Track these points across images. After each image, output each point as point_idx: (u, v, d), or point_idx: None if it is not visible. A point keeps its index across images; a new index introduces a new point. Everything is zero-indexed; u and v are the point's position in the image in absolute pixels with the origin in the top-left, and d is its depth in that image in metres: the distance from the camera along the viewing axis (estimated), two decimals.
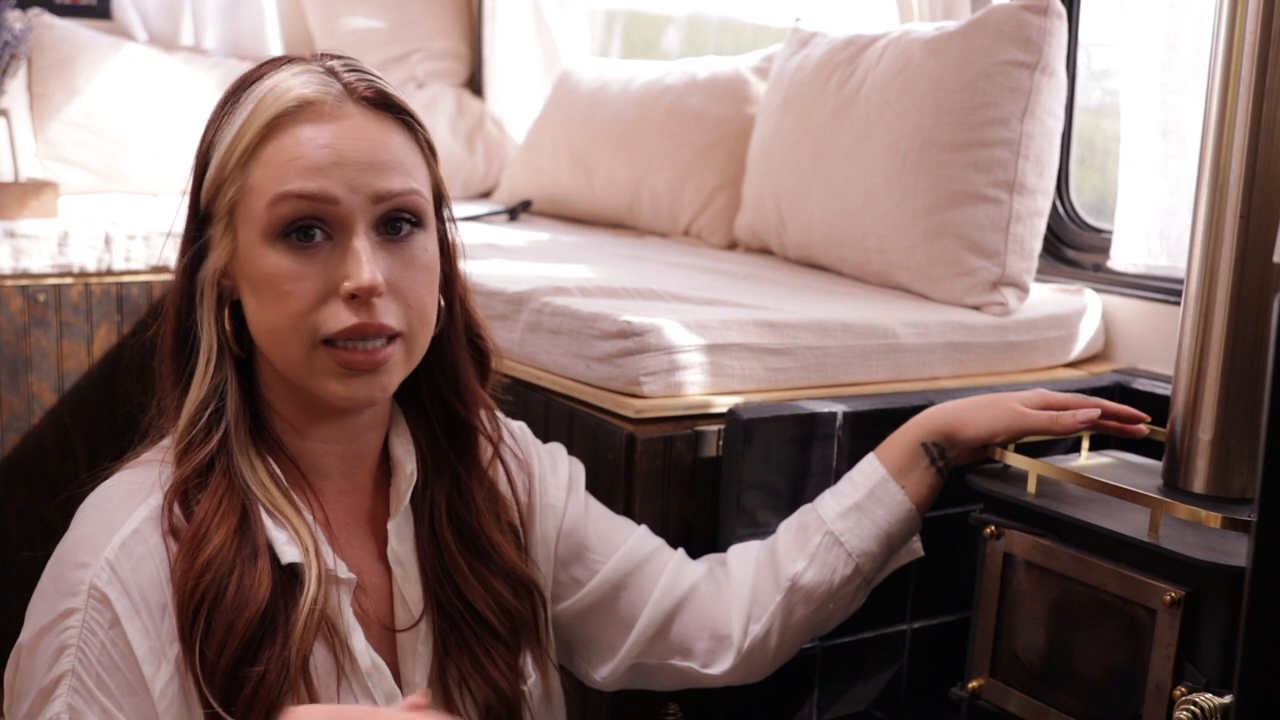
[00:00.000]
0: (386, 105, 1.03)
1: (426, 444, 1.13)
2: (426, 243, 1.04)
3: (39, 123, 2.82)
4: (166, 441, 1.06)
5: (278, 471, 1.05)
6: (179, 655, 0.96)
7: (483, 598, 1.12)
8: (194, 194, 1.05)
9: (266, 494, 1.02)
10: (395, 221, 1.02)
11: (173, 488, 1.00)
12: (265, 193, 0.99)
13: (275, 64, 1.04)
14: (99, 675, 0.94)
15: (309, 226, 0.99)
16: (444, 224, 1.10)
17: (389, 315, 1.00)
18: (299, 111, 0.99)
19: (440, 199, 1.10)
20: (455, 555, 1.12)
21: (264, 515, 1.02)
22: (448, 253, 1.11)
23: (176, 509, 1.00)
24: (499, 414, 1.21)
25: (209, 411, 1.03)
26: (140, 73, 2.93)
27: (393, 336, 1.01)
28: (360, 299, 0.99)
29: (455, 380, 1.13)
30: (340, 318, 0.99)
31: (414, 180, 1.03)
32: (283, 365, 1.03)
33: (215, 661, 0.96)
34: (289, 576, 1.01)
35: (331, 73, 1.02)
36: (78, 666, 0.94)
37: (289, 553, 1.01)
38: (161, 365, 1.07)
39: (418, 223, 1.03)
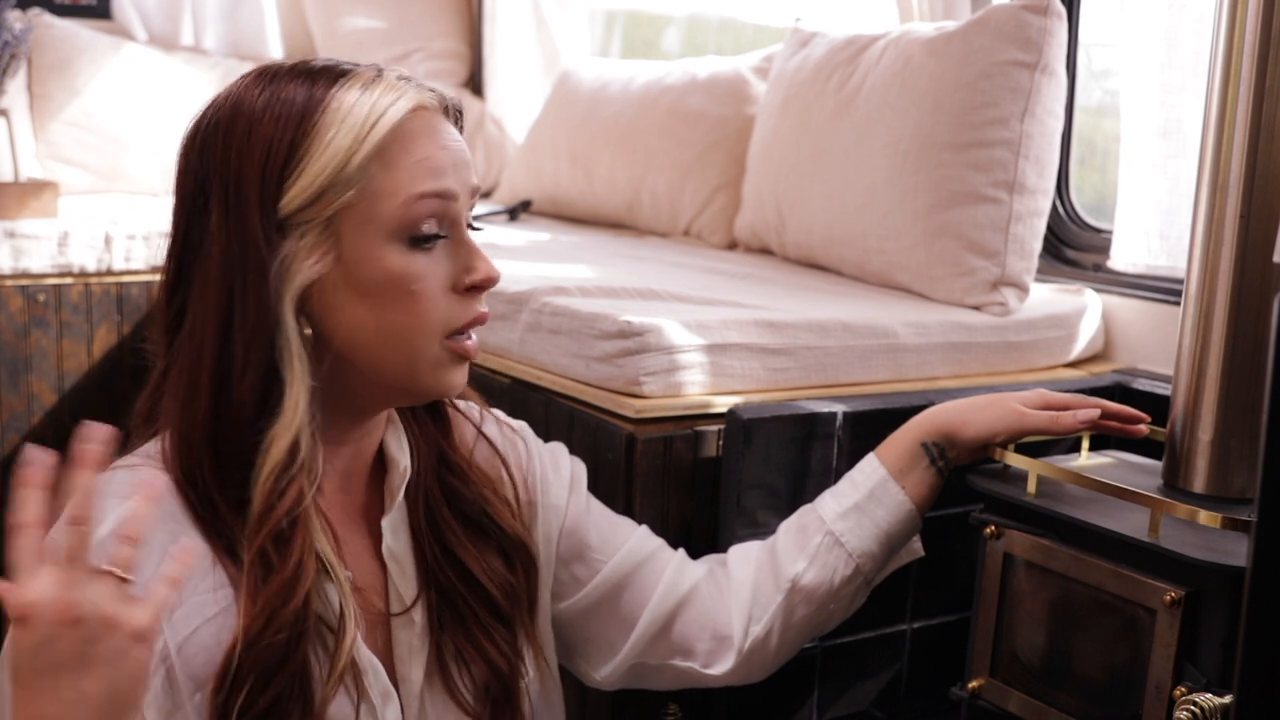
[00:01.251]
0: (456, 115, 1.09)
1: (414, 427, 1.15)
2: None
3: (39, 123, 2.82)
4: (148, 447, 1.04)
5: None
6: (162, 649, 0.95)
7: (483, 570, 1.13)
8: (264, 206, 0.99)
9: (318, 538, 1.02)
10: (471, 222, 1.08)
11: (258, 549, 0.97)
12: (398, 194, 1.00)
13: (344, 78, 1.02)
14: None
15: (436, 230, 1.03)
16: None
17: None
18: (414, 117, 1.03)
19: None
20: (455, 529, 1.13)
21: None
22: None
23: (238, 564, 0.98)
24: (478, 404, 1.21)
25: (303, 448, 0.99)
26: (140, 73, 2.93)
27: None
28: (480, 289, 1.05)
29: None
30: (468, 309, 1.04)
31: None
32: (395, 364, 1.03)
33: (245, 710, 0.96)
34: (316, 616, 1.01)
35: (411, 81, 1.06)
36: None
37: (333, 601, 1.01)
38: (240, 410, 0.98)
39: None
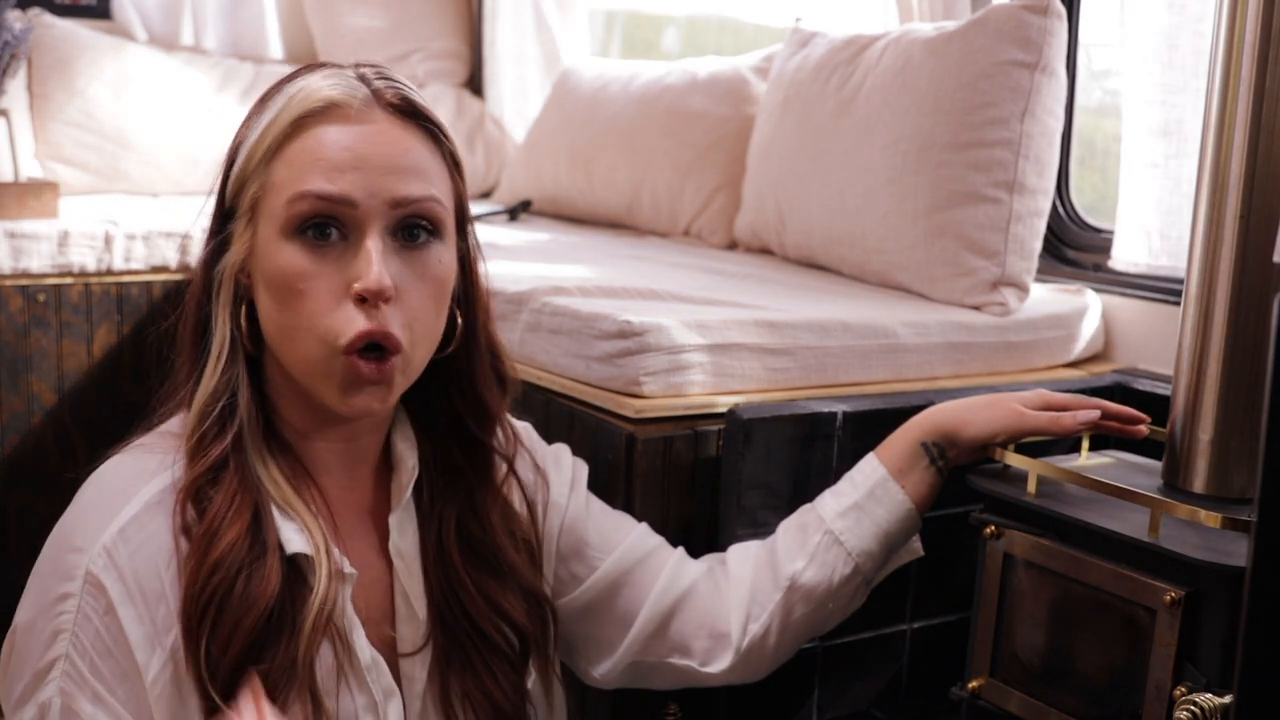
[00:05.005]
0: (413, 113, 1.04)
1: (438, 460, 1.13)
2: (442, 254, 1.04)
3: (39, 123, 2.82)
4: (167, 426, 1.06)
5: (286, 468, 1.05)
6: (174, 643, 0.97)
7: (489, 617, 1.12)
8: (221, 189, 1.06)
9: (278, 490, 1.03)
10: (412, 229, 1.02)
11: (186, 487, 1.00)
12: (286, 190, 1.00)
13: (310, 68, 1.06)
14: (92, 661, 0.95)
15: (324, 225, 0.99)
16: (465, 241, 1.11)
17: (395, 324, 1.00)
18: (325, 112, 1.01)
19: (463, 214, 1.10)
20: (460, 572, 1.11)
21: (274, 511, 1.02)
22: (468, 270, 1.11)
23: (190, 507, 0.99)
24: (510, 419, 1.21)
25: (220, 406, 1.02)
26: (140, 73, 2.93)
27: (395, 350, 1.01)
28: (369, 301, 0.99)
29: (474, 402, 1.13)
30: (354, 324, 0.98)
31: (434, 188, 1.03)
32: (292, 364, 1.03)
33: (220, 658, 0.96)
34: (296, 573, 1.02)
35: (362, 78, 1.04)
36: (71, 651, 0.95)
37: (298, 545, 1.01)
38: (179, 357, 1.07)
39: (434, 231, 1.03)
